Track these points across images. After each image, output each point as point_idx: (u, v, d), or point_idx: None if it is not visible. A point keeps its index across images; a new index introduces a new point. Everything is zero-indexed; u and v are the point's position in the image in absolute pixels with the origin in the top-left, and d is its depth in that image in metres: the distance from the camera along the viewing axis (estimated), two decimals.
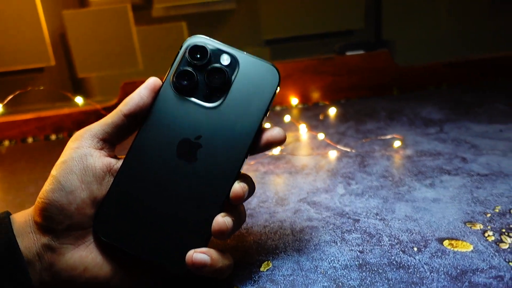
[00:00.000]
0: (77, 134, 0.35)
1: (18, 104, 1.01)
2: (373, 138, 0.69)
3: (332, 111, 0.86)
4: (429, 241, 0.42)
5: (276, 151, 0.65)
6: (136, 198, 0.34)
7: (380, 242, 0.43)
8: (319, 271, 0.39)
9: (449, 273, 0.38)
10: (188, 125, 0.35)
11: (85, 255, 0.34)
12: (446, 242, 0.42)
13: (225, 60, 0.36)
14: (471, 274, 0.37)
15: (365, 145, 0.67)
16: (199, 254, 0.33)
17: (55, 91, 0.99)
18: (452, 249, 0.41)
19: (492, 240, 0.41)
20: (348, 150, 0.65)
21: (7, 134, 0.86)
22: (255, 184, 0.40)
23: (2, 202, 0.60)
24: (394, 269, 0.39)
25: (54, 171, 0.33)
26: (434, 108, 0.83)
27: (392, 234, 0.44)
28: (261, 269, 0.40)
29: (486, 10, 1.09)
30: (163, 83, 0.36)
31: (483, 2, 1.08)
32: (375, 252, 0.41)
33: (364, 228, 0.45)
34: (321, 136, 0.69)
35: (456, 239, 0.42)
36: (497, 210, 0.46)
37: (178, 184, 0.34)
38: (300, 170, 0.61)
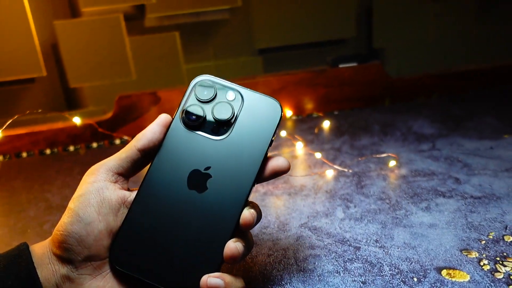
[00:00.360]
0: (93, 169, 0.37)
1: (9, 116, 1.00)
2: (368, 156, 0.71)
3: (326, 124, 0.87)
4: (428, 271, 0.44)
5: None
6: (150, 228, 0.36)
7: (381, 272, 0.44)
8: None
9: None
10: (198, 157, 0.37)
11: (102, 285, 0.35)
12: (444, 272, 0.44)
13: (230, 96, 0.38)
14: None
15: (361, 164, 0.69)
16: (213, 279, 0.34)
17: (49, 108, 0.99)
18: (450, 279, 0.43)
19: (487, 270, 0.43)
20: (345, 170, 0.67)
21: (1, 149, 0.86)
22: None
23: (5, 227, 0.60)
24: None
25: (72, 204, 0.35)
26: (426, 121, 0.85)
27: (392, 263, 0.46)
28: None
29: (472, 20, 1.11)
30: (173, 118, 0.38)
31: (470, 11, 1.10)
32: (377, 283, 0.43)
33: (365, 257, 0.47)
34: (318, 155, 0.70)
35: (454, 269, 0.44)
36: (491, 237, 0.49)
37: (190, 213, 0.36)
38: (298, 191, 0.62)
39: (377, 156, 0.70)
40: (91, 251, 0.34)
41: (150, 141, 0.37)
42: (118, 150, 0.38)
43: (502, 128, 0.78)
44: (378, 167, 0.67)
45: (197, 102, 0.38)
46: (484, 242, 0.48)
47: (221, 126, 0.38)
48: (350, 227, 0.53)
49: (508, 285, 0.41)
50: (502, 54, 1.12)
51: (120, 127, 0.90)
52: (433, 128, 0.81)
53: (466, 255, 0.46)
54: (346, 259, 0.47)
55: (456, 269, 0.44)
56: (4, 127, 0.70)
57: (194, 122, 0.38)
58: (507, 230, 0.49)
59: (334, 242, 0.50)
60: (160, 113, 0.39)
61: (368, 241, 0.50)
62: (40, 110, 0.72)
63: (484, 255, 0.46)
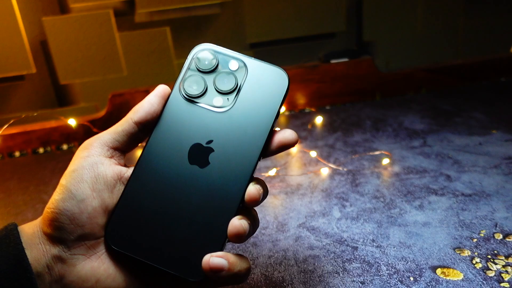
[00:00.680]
0: (86, 143, 0.35)
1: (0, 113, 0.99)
2: (361, 154, 0.72)
3: (319, 120, 0.88)
4: (423, 270, 0.46)
5: (272, 172, 0.68)
6: (148, 205, 0.34)
7: (379, 272, 0.46)
8: None
9: None
10: (199, 130, 0.35)
11: (97, 266, 0.33)
12: (439, 271, 0.46)
13: (233, 65, 0.36)
14: None
15: (355, 161, 0.71)
16: (215, 258, 0.32)
17: (40, 105, 0.98)
18: (444, 277, 0.45)
19: (479, 268, 0.45)
20: (340, 168, 0.68)
21: None
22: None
23: None
24: None
25: (63, 180, 0.33)
26: (416, 117, 0.86)
27: (389, 262, 0.47)
28: None
29: (460, 13, 1.13)
30: (172, 90, 0.36)
31: (459, 4, 1.12)
32: (375, 283, 0.45)
33: (363, 257, 0.49)
34: (313, 154, 0.72)
35: (448, 267, 0.46)
36: (482, 235, 0.51)
37: (191, 189, 0.34)
38: (295, 190, 0.64)
39: (371, 153, 0.72)
40: (84, 230, 0.32)
41: (147, 113, 0.35)
42: None
43: (490, 123, 0.80)
44: (372, 165, 0.69)
45: (197, 72, 0.36)
46: (475, 240, 0.50)
47: (224, 97, 0.36)
48: (347, 226, 0.54)
49: (499, 282, 0.43)
50: (489, 48, 1.14)
51: (113, 124, 0.90)
52: (423, 123, 0.83)
53: (459, 253, 0.48)
54: (345, 259, 0.49)
55: (450, 267, 0.46)
56: (1, 131, 0.70)
57: (194, 93, 0.36)
58: (497, 228, 0.51)
59: (332, 242, 0.52)
60: None
61: (365, 241, 0.51)
62: (36, 114, 0.71)
63: (476, 253, 0.48)
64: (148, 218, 0.34)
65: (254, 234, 0.54)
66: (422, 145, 0.74)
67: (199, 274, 0.33)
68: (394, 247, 0.50)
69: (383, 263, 0.47)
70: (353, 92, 0.97)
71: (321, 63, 0.96)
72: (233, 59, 0.37)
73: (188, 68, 0.36)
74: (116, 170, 0.34)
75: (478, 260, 0.47)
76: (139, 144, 0.37)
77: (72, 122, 0.77)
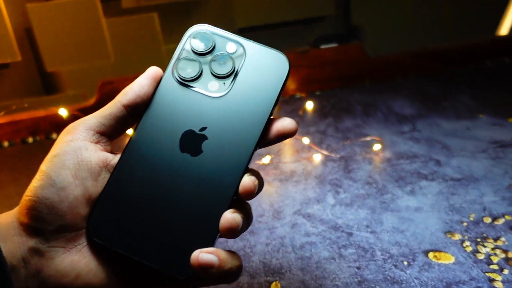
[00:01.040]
0: (71, 127, 0.32)
1: None
2: (353, 140, 0.73)
3: (310, 105, 0.89)
4: (416, 254, 0.48)
5: (266, 159, 0.68)
6: (134, 195, 0.32)
7: (374, 257, 0.48)
8: None
9: (437, 286, 0.43)
10: (192, 116, 0.33)
11: (77, 260, 0.30)
12: (431, 255, 0.47)
13: (230, 48, 0.34)
14: (455, 287, 0.43)
15: (347, 147, 0.72)
16: (205, 254, 0.29)
17: (27, 93, 0.96)
18: (436, 261, 0.46)
19: (470, 251, 0.47)
20: (332, 155, 0.69)
21: None
22: None
23: None
24: (389, 285, 0.44)
25: (43, 166, 0.30)
26: (405, 102, 0.88)
27: (384, 247, 0.49)
28: None
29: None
30: (164, 72, 0.34)
31: None
32: (371, 268, 0.46)
33: (358, 243, 0.50)
34: (306, 140, 0.72)
35: (439, 251, 0.48)
36: (471, 219, 0.52)
37: (182, 179, 0.32)
38: (289, 177, 0.65)
39: (362, 139, 0.73)
40: (64, 220, 0.30)
41: (137, 96, 0.32)
42: None
43: (477, 107, 0.82)
44: (363, 151, 0.70)
45: (192, 54, 0.34)
46: (465, 224, 0.52)
47: (220, 82, 0.33)
48: (342, 213, 0.56)
49: (489, 265, 0.45)
50: (474, 32, 1.15)
51: None
52: (412, 108, 0.84)
53: (450, 237, 0.50)
54: (340, 245, 0.50)
55: (442, 251, 0.48)
56: None
57: (188, 76, 0.33)
58: (485, 212, 0.53)
59: (327, 228, 0.53)
60: None
61: (359, 227, 0.53)
62: (26, 105, 0.71)
63: (466, 237, 0.50)
64: (134, 210, 0.32)
65: (252, 222, 0.55)
66: (411, 130, 0.76)
67: (187, 271, 0.30)
68: (387, 232, 0.51)
69: (377, 248, 0.49)
70: (342, 77, 0.97)
71: (310, 48, 0.96)
72: (231, 41, 0.34)
73: (183, 49, 0.34)
74: (101, 157, 0.32)
75: (468, 243, 0.49)
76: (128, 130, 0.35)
77: (63, 112, 0.76)
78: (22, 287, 0.29)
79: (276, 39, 1.10)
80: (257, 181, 0.32)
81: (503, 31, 1.13)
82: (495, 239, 0.49)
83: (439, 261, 0.46)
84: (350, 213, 0.55)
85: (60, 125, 0.87)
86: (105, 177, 0.32)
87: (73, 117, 0.86)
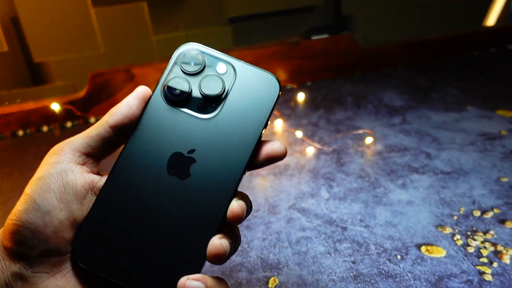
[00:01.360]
0: (56, 148, 0.32)
1: None
2: (345, 133, 0.74)
3: (301, 97, 0.89)
4: (409, 248, 0.49)
5: None
6: (121, 220, 0.31)
7: (368, 251, 0.49)
8: (320, 285, 0.45)
9: (429, 280, 0.45)
10: (180, 138, 0.32)
11: (61, 286, 0.30)
12: (423, 248, 0.49)
13: (221, 68, 0.33)
14: (446, 280, 0.45)
15: (339, 140, 0.73)
16: (192, 282, 0.29)
17: (15, 84, 0.95)
18: (429, 255, 0.48)
19: (460, 244, 0.49)
20: (325, 148, 0.70)
21: None
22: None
23: None
24: (384, 279, 0.45)
25: (28, 189, 0.30)
26: (394, 93, 0.89)
27: (377, 242, 0.50)
28: (269, 285, 0.46)
29: None
30: (153, 92, 0.33)
31: None
32: (365, 262, 0.48)
33: (352, 237, 0.51)
34: (299, 134, 0.73)
35: (431, 245, 0.49)
36: (461, 212, 0.54)
37: (169, 203, 0.31)
38: (283, 171, 0.66)
39: (354, 132, 0.74)
40: (49, 245, 0.29)
41: (125, 116, 0.32)
42: None
43: (465, 98, 0.84)
44: (355, 143, 0.71)
45: (182, 74, 0.33)
46: (456, 217, 0.53)
47: (209, 103, 0.33)
48: (336, 207, 0.57)
49: (479, 258, 0.47)
50: (461, 23, 1.16)
51: (95, 106, 0.89)
52: (402, 99, 0.86)
53: (441, 231, 0.51)
54: (335, 239, 0.51)
55: (434, 245, 0.49)
56: None
57: (177, 97, 0.32)
58: (475, 205, 0.55)
59: (322, 223, 0.54)
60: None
61: (353, 221, 0.54)
62: (18, 101, 0.70)
63: (456, 230, 0.51)
64: (119, 234, 0.31)
65: (248, 217, 0.56)
66: (402, 123, 0.77)
67: None
68: (381, 227, 0.53)
69: (371, 243, 0.50)
70: (333, 68, 0.98)
71: (301, 39, 0.96)
72: (221, 61, 0.33)
73: (172, 69, 0.33)
74: (87, 179, 0.31)
75: (458, 237, 0.50)
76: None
77: (55, 106, 0.76)
78: None
79: (267, 29, 1.10)
80: (245, 205, 0.32)
81: (490, 21, 1.14)
82: (484, 232, 0.50)
83: (431, 255, 0.48)
84: (343, 207, 0.57)
85: (51, 117, 0.86)
86: (90, 199, 0.31)
87: (65, 111, 0.86)
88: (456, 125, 0.74)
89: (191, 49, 0.34)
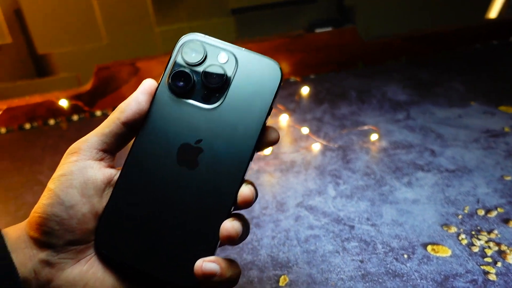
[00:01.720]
0: (74, 147, 0.33)
1: None
2: (350, 129, 0.75)
3: (305, 90, 0.90)
4: (415, 247, 0.50)
5: (268, 151, 0.70)
6: (136, 209, 0.33)
7: (376, 250, 0.50)
8: (330, 284, 0.46)
9: (435, 279, 0.46)
10: (187, 129, 0.33)
11: (85, 270, 0.32)
12: (429, 248, 0.50)
13: (222, 58, 0.34)
14: (452, 280, 0.46)
15: (344, 136, 0.74)
16: (208, 263, 0.31)
17: (18, 76, 0.95)
18: (434, 254, 0.49)
19: (465, 244, 0.50)
20: (331, 145, 0.71)
21: None
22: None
23: (7, 215, 0.61)
24: (391, 278, 0.47)
25: (51, 185, 0.32)
26: (398, 87, 0.89)
27: (384, 240, 0.52)
28: (280, 284, 0.47)
29: None
30: (158, 84, 0.34)
31: None
32: (373, 261, 0.49)
33: (359, 236, 0.53)
34: (305, 130, 0.74)
35: (437, 244, 0.51)
36: (466, 211, 0.55)
37: (180, 192, 0.33)
38: (290, 168, 0.67)
39: (360, 129, 0.75)
40: (74, 235, 0.32)
41: (135, 112, 0.33)
42: (100, 122, 0.35)
43: (468, 93, 0.84)
44: (360, 140, 0.72)
45: (184, 65, 0.34)
46: (460, 216, 0.55)
47: (212, 93, 0.34)
48: (343, 205, 0.58)
49: (483, 257, 0.48)
50: (464, 15, 1.16)
51: (100, 99, 0.89)
52: (405, 94, 0.86)
53: (446, 230, 0.53)
54: (343, 238, 0.53)
55: (439, 244, 0.51)
56: None
57: (181, 89, 0.34)
58: (479, 204, 0.56)
59: (330, 221, 0.55)
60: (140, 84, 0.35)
61: (360, 220, 0.55)
62: (26, 98, 0.70)
63: (461, 230, 0.53)
64: (136, 223, 0.33)
65: (255, 214, 0.57)
66: (406, 118, 0.78)
67: (191, 280, 0.32)
68: (387, 225, 0.54)
69: (378, 242, 0.52)
70: (336, 61, 0.98)
71: (305, 32, 0.96)
72: (223, 50, 0.34)
73: (174, 61, 0.34)
74: (106, 174, 0.33)
75: (463, 236, 0.52)
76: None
77: (63, 103, 0.76)
78: None
79: (270, 20, 1.10)
80: (254, 190, 0.33)
81: (492, 14, 1.14)
82: (489, 232, 0.52)
83: (437, 254, 0.49)
84: (350, 205, 0.58)
85: (57, 111, 0.86)
86: (109, 192, 0.34)
87: (73, 107, 0.86)
88: (460, 121, 0.75)
89: (192, 40, 0.34)
